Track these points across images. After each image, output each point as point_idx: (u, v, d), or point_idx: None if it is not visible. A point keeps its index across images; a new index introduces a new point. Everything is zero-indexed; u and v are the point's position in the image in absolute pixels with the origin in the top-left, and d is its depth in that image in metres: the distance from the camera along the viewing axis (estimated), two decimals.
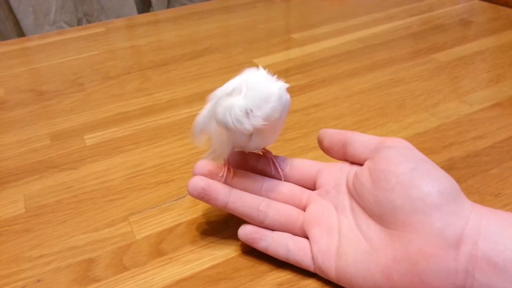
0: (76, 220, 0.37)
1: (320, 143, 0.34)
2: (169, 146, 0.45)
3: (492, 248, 0.24)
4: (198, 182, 0.31)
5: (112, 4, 1.47)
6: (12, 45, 0.74)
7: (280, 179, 0.33)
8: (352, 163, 0.32)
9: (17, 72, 0.64)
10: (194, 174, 0.32)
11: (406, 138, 0.43)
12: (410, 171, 0.27)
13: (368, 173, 0.29)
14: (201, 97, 0.53)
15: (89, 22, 1.47)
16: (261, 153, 0.34)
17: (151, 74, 0.60)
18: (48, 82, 0.60)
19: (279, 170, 0.33)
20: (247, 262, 0.32)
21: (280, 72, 0.59)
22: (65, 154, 0.45)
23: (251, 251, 0.32)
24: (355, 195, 0.30)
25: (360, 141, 0.31)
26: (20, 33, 1.38)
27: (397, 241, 0.26)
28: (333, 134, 0.33)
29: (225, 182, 0.32)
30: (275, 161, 0.34)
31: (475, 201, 0.35)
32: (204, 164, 0.32)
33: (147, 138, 0.46)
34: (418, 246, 0.25)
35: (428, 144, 0.43)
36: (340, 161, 0.33)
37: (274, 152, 0.34)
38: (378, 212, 0.27)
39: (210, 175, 0.32)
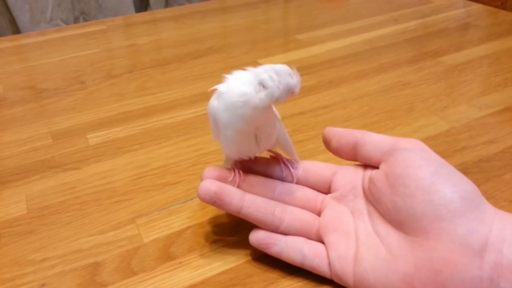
0: (81, 222, 0.35)
1: (327, 143, 0.32)
2: (174, 147, 0.44)
3: None
4: (210, 185, 0.29)
5: (110, 3, 1.46)
6: (9, 42, 0.73)
7: (293, 182, 0.32)
8: (365, 165, 0.31)
9: (16, 69, 0.62)
10: (202, 179, 0.30)
11: None
12: (430, 175, 0.26)
13: (384, 177, 0.28)
14: (205, 97, 0.52)
15: (86, 20, 1.45)
16: (270, 157, 0.33)
17: (153, 73, 0.59)
18: (47, 80, 0.59)
19: (291, 170, 0.32)
20: (259, 268, 0.31)
21: None
22: (68, 154, 0.43)
23: (263, 257, 0.31)
24: (372, 200, 0.29)
25: (373, 142, 0.30)
26: (16, 30, 1.36)
27: (418, 248, 0.25)
28: (341, 134, 0.32)
29: (236, 186, 0.31)
30: (286, 162, 0.32)
31: None
32: (212, 170, 0.31)
33: (152, 138, 0.45)
34: (441, 254, 0.24)
35: (439, 148, 0.42)
36: (354, 162, 0.32)
37: (282, 155, 0.33)
38: (397, 218, 0.27)
39: (219, 180, 0.30)
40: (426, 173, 0.26)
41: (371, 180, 0.29)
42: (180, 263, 0.31)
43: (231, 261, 0.31)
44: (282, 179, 0.32)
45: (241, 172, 0.32)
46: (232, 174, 0.31)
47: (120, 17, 0.85)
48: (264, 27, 0.75)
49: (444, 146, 0.42)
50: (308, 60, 0.61)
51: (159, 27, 0.78)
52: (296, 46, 0.66)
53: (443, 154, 0.41)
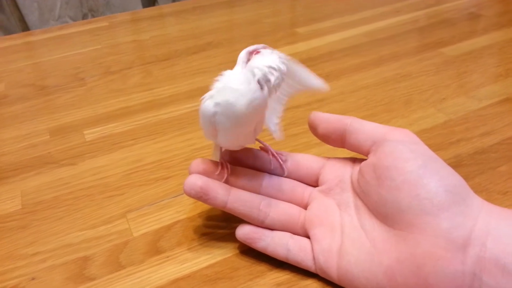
0: (73, 217, 0.36)
1: (314, 129, 0.32)
2: (169, 142, 0.44)
3: (501, 250, 0.23)
4: (196, 181, 0.29)
5: (117, 0, 1.46)
6: (15, 40, 0.74)
7: (283, 174, 0.32)
8: (354, 158, 0.31)
9: (19, 67, 0.63)
10: (189, 173, 0.31)
11: None
12: (417, 169, 0.25)
13: (372, 169, 0.27)
14: (203, 92, 0.52)
15: (94, 17, 1.46)
16: (260, 148, 0.33)
17: (153, 69, 0.59)
18: (49, 77, 0.59)
19: (281, 163, 0.32)
20: (245, 262, 0.31)
21: None
22: (64, 150, 0.44)
23: (250, 250, 0.31)
24: (360, 193, 0.28)
25: (362, 130, 0.29)
26: (25, 28, 1.38)
27: (402, 242, 0.25)
28: (329, 121, 0.31)
29: (223, 180, 0.31)
30: (275, 154, 0.32)
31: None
32: (199, 163, 0.31)
33: (147, 133, 0.46)
34: (424, 248, 0.24)
35: (435, 140, 0.42)
36: (343, 155, 0.32)
37: (274, 148, 0.33)
38: (383, 211, 0.26)
39: (206, 174, 0.30)
40: (414, 166, 0.26)
41: (360, 172, 0.29)
42: (168, 257, 0.32)
43: (218, 255, 0.32)
44: (270, 172, 0.32)
45: (228, 165, 0.32)
46: (219, 168, 0.31)
47: (123, 13, 0.85)
48: (265, 20, 0.75)
49: (440, 138, 0.42)
50: (307, 53, 0.61)
51: (162, 23, 0.78)
52: (296, 39, 0.66)
53: (438, 147, 0.40)
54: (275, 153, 0.32)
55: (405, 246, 0.25)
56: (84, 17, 1.46)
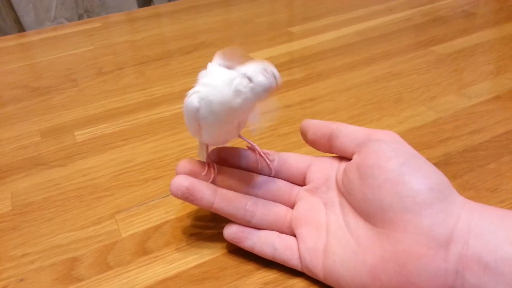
0: (62, 218, 0.36)
1: (304, 135, 0.32)
2: (159, 142, 0.44)
3: (483, 247, 0.23)
4: (182, 181, 0.29)
5: (113, 0, 1.46)
6: (8, 41, 0.74)
7: (270, 174, 0.32)
8: (341, 157, 0.31)
9: (12, 68, 0.63)
10: (176, 173, 0.31)
11: (402, 132, 0.42)
12: (399, 167, 0.26)
13: (355, 168, 0.28)
14: None
15: (90, 18, 1.46)
16: (247, 148, 0.33)
17: (145, 69, 0.59)
18: (41, 78, 0.59)
19: (268, 163, 0.32)
20: (233, 261, 0.31)
21: (277, 66, 0.58)
22: (55, 151, 0.44)
23: (238, 250, 0.31)
24: (344, 192, 0.29)
25: (347, 133, 0.30)
26: (21, 29, 1.37)
27: (385, 240, 0.25)
28: (318, 126, 0.31)
29: (210, 181, 0.31)
30: (262, 154, 0.32)
31: (471, 197, 0.34)
32: (186, 163, 0.31)
33: (138, 134, 0.46)
34: (406, 246, 0.24)
35: (424, 138, 0.42)
36: (330, 154, 0.32)
37: (264, 148, 0.33)
38: (366, 210, 0.26)
39: (193, 174, 0.30)
40: (395, 164, 0.26)
41: (344, 171, 0.29)
42: (156, 257, 0.32)
43: (206, 254, 0.32)
44: (257, 171, 0.32)
45: (214, 165, 0.32)
46: (206, 168, 0.31)
47: (118, 14, 0.85)
48: (259, 20, 0.75)
49: (429, 136, 0.42)
50: (299, 53, 0.61)
51: (155, 23, 0.78)
52: (289, 38, 0.66)
53: (427, 145, 0.41)
54: (262, 153, 0.32)
55: (388, 244, 0.25)
56: (80, 18, 1.46)
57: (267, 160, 0.32)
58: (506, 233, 0.23)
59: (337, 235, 0.28)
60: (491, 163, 0.38)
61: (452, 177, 0.37)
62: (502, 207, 0.33)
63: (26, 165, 0.42)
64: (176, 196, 0.30)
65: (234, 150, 0.33)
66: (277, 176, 0.32)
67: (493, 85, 0.49)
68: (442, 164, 0.38)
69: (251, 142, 0.33)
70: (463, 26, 0.65)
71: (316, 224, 0.29)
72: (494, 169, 0.37)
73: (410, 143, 0.40)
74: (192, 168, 0.31)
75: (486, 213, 0.24)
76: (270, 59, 0.59)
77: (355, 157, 0.28)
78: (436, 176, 0.26)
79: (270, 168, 0.32)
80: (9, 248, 0.34)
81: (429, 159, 0.38)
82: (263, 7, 0.81)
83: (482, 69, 0.53)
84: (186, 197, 0.30)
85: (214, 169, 0.31)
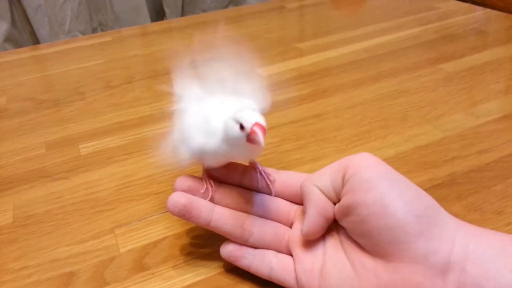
0: (62, 231, 0.36)
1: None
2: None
3: (482, 275, 0.22)
4: (179, 198, 0.29)
5: (126, 14, 1.48)
6: (21, 53, 0.75)
7: (270, 194, 0.32)
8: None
9: (21, 81, 0.64)
10: (174, 190, 0.31)
11: (407, 151, 0.42)
12: (381, 197, 0.24)
13: (339, 210, 0.27)
14: None
15: (103, 31, 1.49)
16: (248, 165, 0.33)
17: (151, 84, 0.60)
18: (50, 91, 0.60)
19: (269, 183, 0.32)
20: (229, 280, 0.30)
21: (285, 82, 0.58)
22: (59, 164, 0.44)
23: (235, 268, 0.31)
24: (337, 219, 0.28)
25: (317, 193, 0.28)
26: (36, 42, 1.40)
27: (380, 268, 0.24)
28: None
29: (208, 199, 0.31)
30: (263, 173, 0.32)
31: (475, 219, 0.34)
32: (185, 180, 0.31)
33: (141, 148, 0.46)
34: (403, 275, 0.23)
35: (429, 157, 0.41)
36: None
37: (267, 164, 0.33)
38: (358, 240, 0.26)
39: (191, 191, 0.30)
40: (376, 196, 0.24)
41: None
42: (153, 274, 0.31)
43: (203, 273, 0.31)
44: (258, 190, 0.32)
45: (212, 183, 0.31)
46: (205, 186, 0.31)
47: (130, 28, 0.87)
48: (267, 35, 0.75)
49: (435, 156, 0.41)
50: (305, 69, 0.60)
51: (165, 38, 0.79)
52: (296, 54, 0.66)
53: (432, 164, 0.40)
54: (263, 172, 0.32)
55: (384, 273, 0.24)
56: (94, 31, 1.48)
57: (268, 181, 0.32)
58: (506, 260, 0.22)
59: (333, 257, 0.27)
60: (498, 184, 0.37)
61: (456, 198, 0.36)
62: (507, 231, 0.33)
63: (30, 177, 0.43)
64: (173, 213, 0.29)
65: (235, 166, 0.32)
66: (276, 195, 0.32)
67: (502, 104, 0.49)
68: (447, 184, 0.38)
69: (252, 160, 0.32)
70: (472, 44, 0.65)
71: (313, 245, 0.28)
72: (501, 191, 0.37)
73: (415, 162, 0.40)
74: (191, 185, 0.31)
75: (483, 238, 0.24)
76: (276, 74, 0.60)
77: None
78: (422, 201, 0.25)
79: (270, 190, 0.32)
80: (8, 260, 0.34)
81: (433, 179, 0.38)
82: (272, 23, 0.82)
83: (491, 88, 0.52)
84: (183, 214, 0.29)
85: (212, 186, 0.31)
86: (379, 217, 0.24)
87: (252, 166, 0.33)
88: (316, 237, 0.28)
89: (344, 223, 0.27)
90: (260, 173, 0.32)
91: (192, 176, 0.31)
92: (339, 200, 0.27)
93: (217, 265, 0.32)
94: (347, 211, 0.26)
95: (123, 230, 0.35)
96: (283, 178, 0.32)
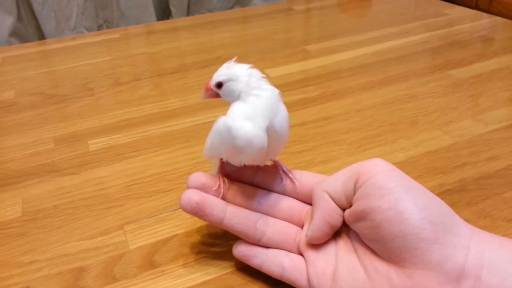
0: (71, 226, 0.36)
1: None
2: (171, 155, 0.44)
3: (497, 284, 0.22)
4: (192, 196, 0.29)
5: (132, 12, 1.49)
6: (28, 48, 0.75)
7: (295, 190, 0.31)
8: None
9: (30, 75, 0.64)
10: (188, 187, 0.31)
11: (416, 156, 0.42)
12: (395, 204, 0.24)
13: (349, 214, 0.27)
14: (209, 106, 0.53)
15: (109, 28, 1.49)
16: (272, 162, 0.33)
17: (159, 82, 0.60)
18: (58, 86, 0.60)
19: (294, 180, 0.31)
20: (240, 279, 0.30)
21: (292, 84, 0.58)
22: (68, 159, 0.44)
23: (246, 268, 0.31)
24: (349, 224, 0.28)
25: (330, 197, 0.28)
26: (42, 37, 1.40)
27: (393, 273, 0.24)
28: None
29: (220, 196, 0.31)
30: (286, 171, 0.32)
31: (486, 226, 0.34)
32: (198, 177, 0.31)
33: (150, 145, 0.46)
34: (416, 281, 0.23)
35: (439, 163, 0.41)
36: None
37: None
38: (371, 246, 0.26)
39: (204, 189, 0.30)
40: (391, 202, 0.24)
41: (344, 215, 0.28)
42: (162, 271, 0.31)
43: (213, 272, 0.31)
44: (270, 188, 0.32)
45: (226, 180, 0.31)
46: (217, 183, 0.31)
47: (137, 26, 0.87)
48: (276, 37, 0.75)
49: (444, 161, 0.41)
50: (314, 71, 0.61)
51: (173, 36, 0.79)
52: (304, 56, 0.66)
53: (442, 170, 0.40)
54: (286, 170, 0.32)
55: (397, 279, 0.24)
56: (99, 28, 1.48)
57: (293, 179, 0.31)
58: None
59: (345, 260, 0.27)
60: (508, 191, 0.37)
61: (467, 204, 0.36)
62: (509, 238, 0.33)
63: (38, 171, 0.43)
64: (185, 210, 0.29)
65: (249, 165, 0.32)
66: (289, 195, 0.32)
67: (510, 112, 0.49)
68: (457, 190, 0.38)
69: (275, 160, 0.32)
70: (481, 51, 0.65)
71: (325, 247, 0.28)
72: (510, 198, 0.37)
73: (425, 167, 0.41)
74: (205, 182, 0.31)
75: (498, 245, 0.24)
76: (285, 76, 0.60)
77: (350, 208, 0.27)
78: (436, 207, 0.25)
79: (295, 187, 0.31)
80: (17, 254, 0.34)
81: (443, 184, 0.38)
82: (280, 24, 0.82)
83: (499, 95, 0.52)
84: (196, 212, 0.29)
85: (225, 183, 0.31)
86: (394, 223, 0.24)
87: (274, 166, 0.32)
88: (319, 243, 0.28)
89: (356, 228, 0.27)
90: (284, 171, 0.32)
91: (206, 174, 0.31)
92: (349, 206, 0.27)
93: (228, 264, 0.32)
94: (360, 217, 0.26)
95: (133, 227, 0.35)
96: (296, 177, 0.32)
